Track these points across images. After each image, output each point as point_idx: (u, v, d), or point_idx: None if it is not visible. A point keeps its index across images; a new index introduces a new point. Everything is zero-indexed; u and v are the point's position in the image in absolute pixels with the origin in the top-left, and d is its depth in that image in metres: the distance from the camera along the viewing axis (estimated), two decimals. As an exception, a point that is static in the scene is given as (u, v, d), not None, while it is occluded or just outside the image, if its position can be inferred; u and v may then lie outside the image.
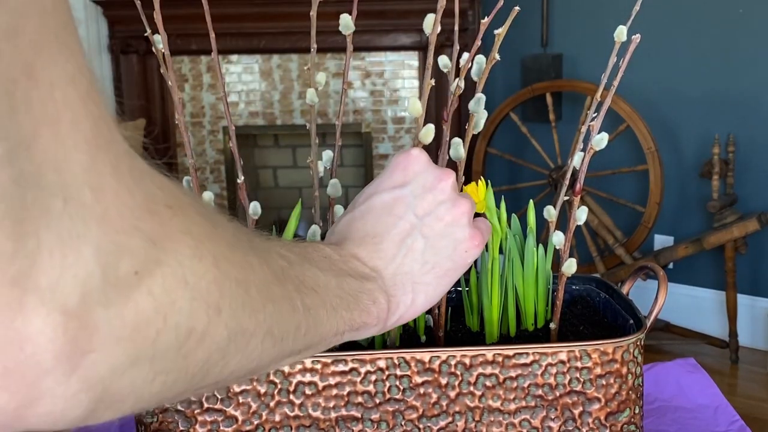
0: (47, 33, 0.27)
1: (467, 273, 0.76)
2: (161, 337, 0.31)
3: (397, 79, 3.35)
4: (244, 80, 3.38)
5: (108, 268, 0.28)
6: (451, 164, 0.68)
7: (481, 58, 0.66)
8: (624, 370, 0.66)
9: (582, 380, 0.66)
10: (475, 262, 0.61)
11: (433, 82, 0.63)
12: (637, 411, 0.68)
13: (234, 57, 3.35)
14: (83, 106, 0.28)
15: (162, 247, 0.31)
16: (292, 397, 0.65)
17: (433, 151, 0.63)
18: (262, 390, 0.65)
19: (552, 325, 0.72)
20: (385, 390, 0.66)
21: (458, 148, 0.66)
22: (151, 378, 0.31)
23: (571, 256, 0.71)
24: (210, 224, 0.36)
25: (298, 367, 0.65)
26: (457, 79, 0.65)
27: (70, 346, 0.27)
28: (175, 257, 0.32)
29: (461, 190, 0.70)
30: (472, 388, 0.66)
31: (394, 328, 0.58)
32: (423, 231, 0.55)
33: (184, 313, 0.32)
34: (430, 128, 0.62)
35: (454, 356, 0.66)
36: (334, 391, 0.66)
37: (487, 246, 0.73)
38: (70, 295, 0.27)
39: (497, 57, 0.66)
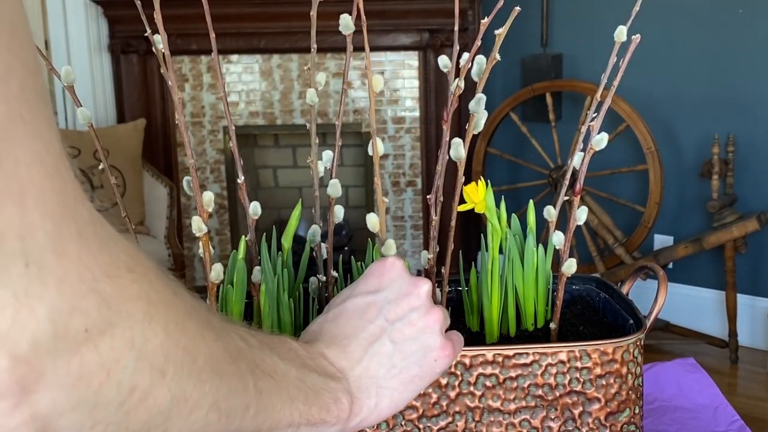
0: (13, 116, 0.30)
1: (467, 273, 0.76)
2: (103, 389, 0.34)
3: (397, 78, 3.35)
4: (244, 80, 3.38)
5: (59, 325, 0.32)
6: (451, 164, 0.68)
7: (481, 58, 0.66)
8: (624, 370, 0.66)
9: (582, 380, 0.66)
10: (475, 261, 0.61)
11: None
12: (637, 411, 0.68)
13: (234, 57, 3.35)
14: (49, 182, 0.32)
15: (116, 309, 0.34)
16: (292, 397, 0.65)
17: (434, 151, 0.63)
18: (262, 390, 0.65)
19: (552, 325, 0.72)
20: (385, 390, 0.66)
21: (458, 148, 0.66)
22: (90, 425, 0.34)
23: (571, 256, 0.71)
24: (170, 291, 0.39)
25: (298, 367, 0.65)
26: (457, 79, 0.65)
27: (16, 386, 0.31)
28: (126, 320, 0.35)
29: (461, 191, 0.70)
30: (472, 388, 0.66)
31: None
32: (393, 336, 0.56)
33: (128, 371, 0.35)
34: (391, 243, 0.66)
35: (454, 356, 0.66)
36: (334, 391, 0.66)
37: (487, 246, 0.73)
38: (20, 344, 0.31)
39: (497, 57, 0.66)
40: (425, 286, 0.57)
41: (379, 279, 0.58)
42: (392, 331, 0.56)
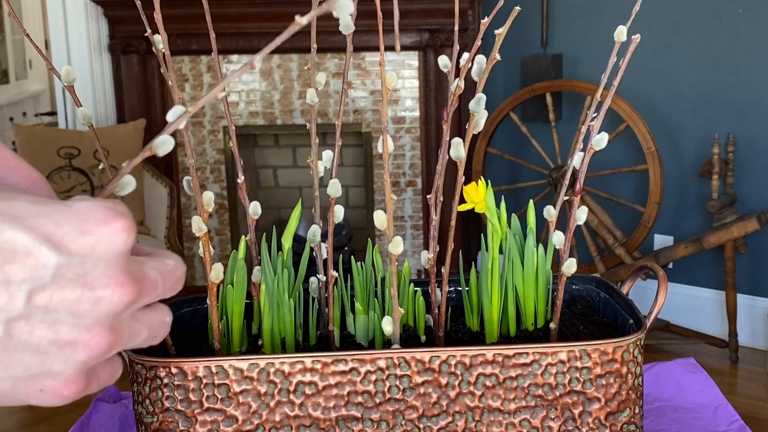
0: None
1: (467, 273, 0.76)
2: None
3: (398, 78, 3.35)
4: (244, 80, 3.38)
5: None
6: (451, 164, 0.68)
7: (481, 58, 0.66)
8: (624, 370, 0.66)
9: (582, 380, 0.66)
10: (475, 261, 0.61)
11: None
12: (637, 411, 0.68)
13: (234, 57, 3.35)
14: None
15: None
16: (292, 396, 0.65)
17: (434, 151, 0.63)
18: (263, 390, 0.65)
19: (552, 325, 0.72)
20: (385, 390, 0.66)
21: (458, 148, 0.66)
22: None
23: (571, 256, 0.71)
24: None
25: (299, 366, 0.65)
26: (457, 79, 0.66)
27: None
28: None
29: (461, 191, 0.70)
30: (472, 388, 0.66)
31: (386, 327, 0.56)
32: (14, 326, 0.34)
33: None
34: (398, 240, 0.65)
35: (454, 356, 0.66)
36: (334, 391, 0.66)
37: (487, 246, 0.73)
38: None
39: (497, 57, 0.66)
40: (129, 296, 0.36)
41: (81, 233, 0.35)
42: (20, 319, 0.34)
